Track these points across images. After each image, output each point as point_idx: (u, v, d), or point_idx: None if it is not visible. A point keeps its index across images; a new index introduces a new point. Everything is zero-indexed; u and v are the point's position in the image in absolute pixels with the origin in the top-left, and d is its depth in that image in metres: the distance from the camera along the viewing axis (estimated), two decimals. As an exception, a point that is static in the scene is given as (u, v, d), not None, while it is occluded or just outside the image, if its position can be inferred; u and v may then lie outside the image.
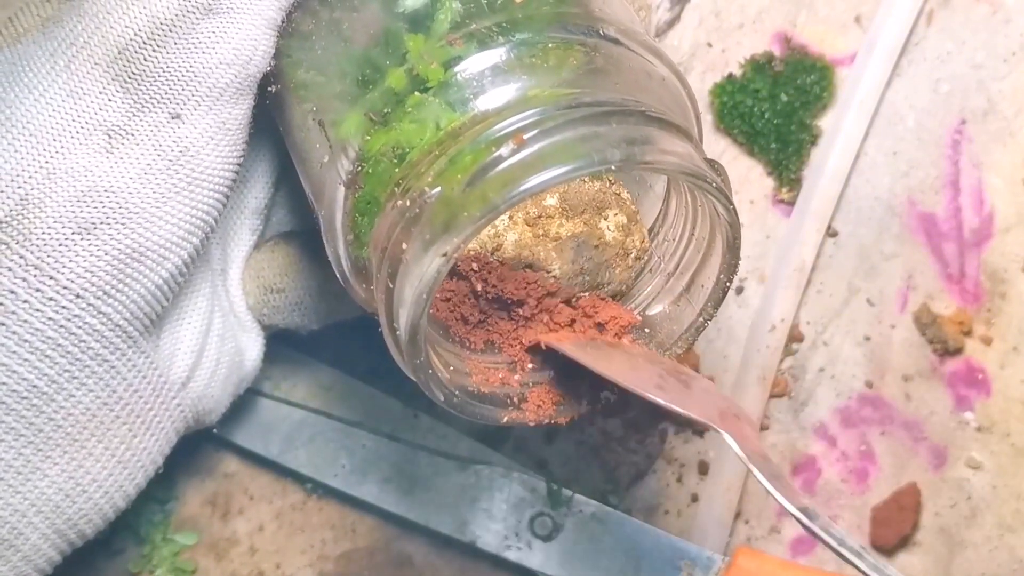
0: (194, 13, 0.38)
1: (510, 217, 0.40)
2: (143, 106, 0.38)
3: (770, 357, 0.53)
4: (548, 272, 0.40)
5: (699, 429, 0.54)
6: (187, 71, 0.38)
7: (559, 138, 0.35)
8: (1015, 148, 0.54)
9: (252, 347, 0.48)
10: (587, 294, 0.41)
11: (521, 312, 0.41)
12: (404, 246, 0.36)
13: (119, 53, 0.38)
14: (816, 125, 0.54)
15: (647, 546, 0.50)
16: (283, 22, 0.40)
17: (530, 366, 0.41)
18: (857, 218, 0.54)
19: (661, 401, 0.38)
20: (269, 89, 0.41)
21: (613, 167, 0.35)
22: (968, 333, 0.53)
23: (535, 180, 0.34)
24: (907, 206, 0.54)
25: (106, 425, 0.41)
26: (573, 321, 0.41)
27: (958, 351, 0.53)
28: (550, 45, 0.37)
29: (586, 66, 0.37)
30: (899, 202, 0.54)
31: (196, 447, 0.53)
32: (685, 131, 0.37)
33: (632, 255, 0.41)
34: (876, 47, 0.53)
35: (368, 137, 0.37)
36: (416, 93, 0.37)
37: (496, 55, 0.37)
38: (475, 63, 0.37)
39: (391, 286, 0.36)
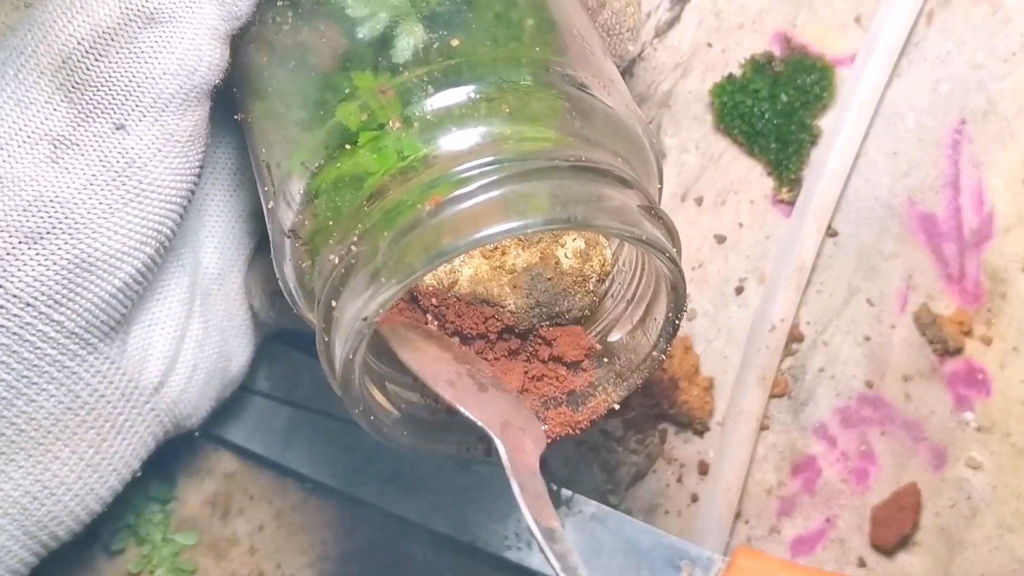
0: (136, 22, 0.38)
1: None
2: (87, 116, 0.38)
3: (770, 357, 0.53)
4: (503, 307, 0.40)
5: (699, 429, 0.54)
6: (129, 80, 0.38)
7: (494, 195, 0.34)
8: (1015, 148, 0.54)
9: (241, 353, 0.48)
10: (547, 324, 0.41)
11: (481, 345, 0.41)
12: (333, 304, 0.35)
13: (63, 62, 0.38)
14: (816, 125, 0.54)
15: (647, 546, 0.50)
16: (235, 35, 0.40)
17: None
18: (857, 218, 0.54)
19: (446, 397, 0.37)
20: (235, 118, 0.41)
21: (547, 229, 0.34)
22: (968, 333, 0.53)
23: (460, 241, 0.33)
24: (907, 206, 0.54)
25: (71, 429, 0.41)
26: (532, 352, 0.41)
27: (958, 351, 0.53)
28: (522, 88, 0.36)
29: (551, 115, 0.37)
30: (899, 202, 0.54)
31: (196, 447, 0.53)
32: (635, 183, 0.36)
33: (592, 279, 0.41)
34: (876, 47, 0.53)
35: (309, 182, 0.37)
36: (362, 135, 0.36)
37: (457, 95, 0.36)
38: (431, 103, 0.36)
39: (326, 339, 0.36)
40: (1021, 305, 0.53)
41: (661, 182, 0.41)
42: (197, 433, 0.48)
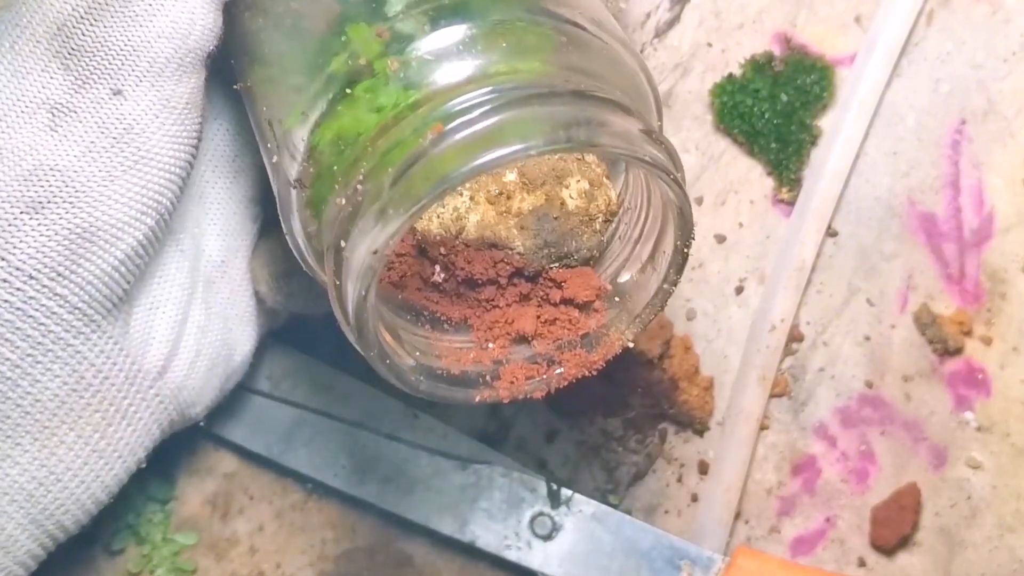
0: None
1: (471, 198, 0.40)
2: (84, 82, 0.38)
3: (770, 357, 0.53)
4: (512, 250, 0.40)
5: (699, 429, 0.54)
6: (124, 44, 0.38)
7: (495, 120, 0.34)
8: (1015, 148, 0.54)
9: (244, 341, 0.48)
10: (556, 265, 0.41)
11: (492, 291, 0.41)
12: (343, 243, 0.36)
13: (58, 30, 0.38)
14: (816, 125, 0.54)
15: (647, 546, 0.50)
16: (229, 1, 0.40)
17: (503, 343, 0.41)
18: (857, 218, 0.54)
19: None
20: (235, 87, 0.41)
21: (549, 151, 0.34)
22: (968, 333, 0.53)
23: (463, 168, 0.33)
24: (907, 206, 0.54)
25: (76, 412, 0.40)
26: (544, 295, 0.41)
27: (958, 351, 0.53)
28: (517, 25, 0.37)
29: (548, 49, 0.37)
30: (899, 202, 0.54)
31: (196, 447, 0.53)
32: (635, 112, 0.37)
33: (599, 219, 0.41)
34: (876, 47, 0.53)
35: (312, 132, 0.37)
36: (361, 81, 0.36)
37: (453, 33, 0.36)
38: (428, 43, 0.36)
39: (337, 283, 0.36)
40: (1021, 305, 0.53)
41: (660, 118, 0.41)
42: (202, 423, 0.47)
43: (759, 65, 0.54)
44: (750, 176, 0.55)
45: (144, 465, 0.44)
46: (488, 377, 0.41)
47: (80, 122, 0.38)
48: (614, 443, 0.54)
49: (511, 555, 0.51)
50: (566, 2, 0.38)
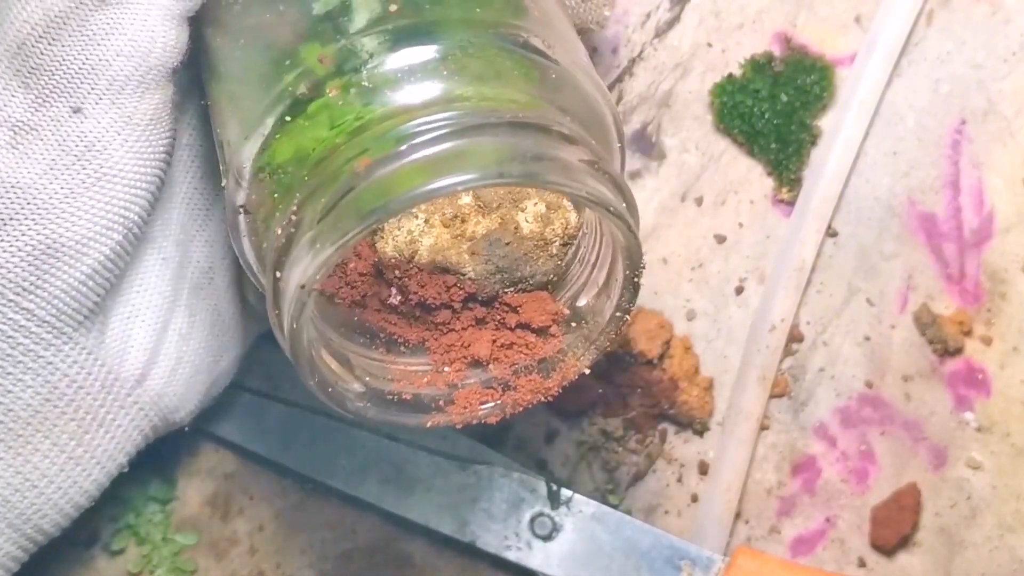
0: (87, 5, 0.38)
1: (426, 220, 0.40)
2: (44, 100, 0.38)
3: (770, 357, 0.53)
4: (463, 275, 0.40)
5: (699, 429, 0.54)
6: (83, 63, 0.38)
7: (428, 153, 0.34)
8: (1015, 148, 0.54)
9: (231, 347, 0.48)
10: (511, 290, 0.41)
11: (447, 315, 0.41)
12: (278, 274, 0.35)
13: (18, 48, 0.38)
14: (816, 125, 0.54)
15: (647, 546, 0.50)
16: (195, 17, 0.40)
17: (458, 367, 0.41)
18: (857, 218, 0.54)
19: None
20: (202, 103, 0.41)
21: (480, 186, 0.34)
22: (968, 333, 0.53)
23: (390, 202, 0.33)
24: (907, 206, 0.54)
25: (51, 421, 0.41)
26: (500, 319, 0.41)
27: (958, 351, 0.53)
28: (483, 51, 0.36)
29: (509, 77, 0.37)
30: (899, 202, 0.54)
31: (196, 447, 0.53)
32: (584, 143, 0.36)
33: (555, 243, 0.41)
34: (876, 47, 0.53)
35: (255, 157, 0.37)
36: (305, 106, 0.36)
37: (408, 56, 0.36)
38: (382, 66, 0.36)
39: (276, 312, 0.36)
40: (1021, 305, 0.53)
41: (623, 150, 0.40)
42: (187, 429, 0.47)
43: (759, 65, 0.54)
44: (750, 176, 0.55)
45: (126, 469, 0.44)
46: (442, 401, 0.41)
47: (41, 140, 0.39)
48: (614, 443, 0.54)
49: (511, 555, 0.51)
50: (532, 29, 0.38)
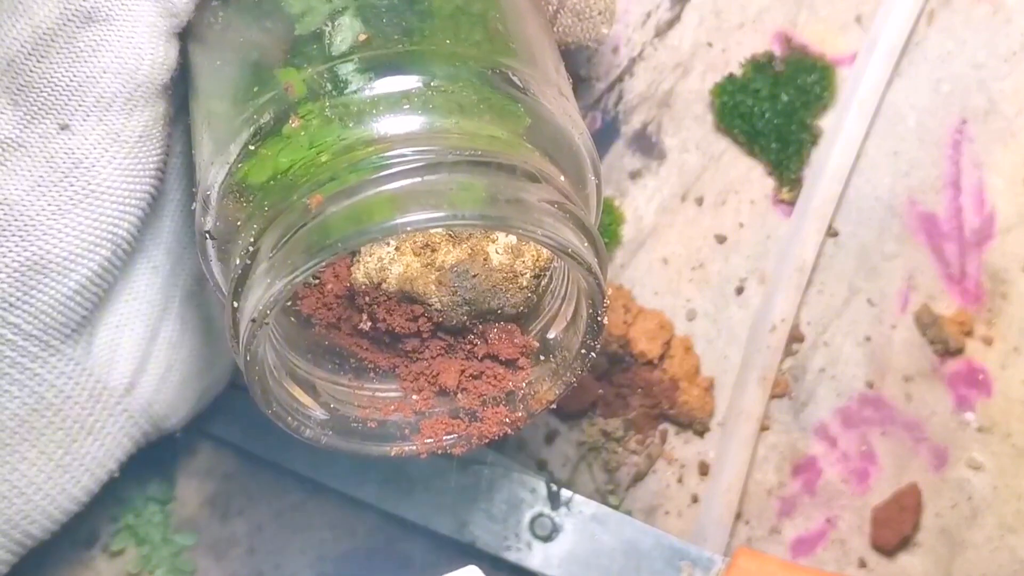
0: (74, 22, 0.38)
1: (397, 248, 0.39)
2: (32, 117, 0.38)
3: (770, 357, 0.53)
4: (430, 306, 0.40)
5: (699, 430, 0.54)
6: (71, 80, 0.38)
7: (367, 194, 0.33)
8: (1016, 148, 0.54)
9: (225, 354, 0.48)
10: (480, 321, 0.40)
11: (416, 343, 0.40)
12: (235, 305, 0.35)
13: (7, 66, 0.38)
14: (816, 125, 0.54)
15: (647, 547, 0.50)
16: (182, 33, 0.40)
17: (426, 395, 0.41)
18: (858, 218, 0.54)
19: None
20: (190, 122, 0.41)
21: (421, 229, 0.34)
22: (969, 333, 0.53)
23: (338, 242, 0.33)
24: (908, 206, 0.54)
25: (39, 430, 0.41)
26: (468, 349, 0.41)
27: (959, 351, 0.53)
28: (457, 86, 0.36)
29: (478, 112, 0.36)
30: (900, 202, 0.54)
31: (196, 448, 0.53)
32: (547, 180, 0.36)
33: (526, 275, 0.40)
34: (877, 47, 0.53)
35: (221, 183, 0.37)
36: (272, 133, 0.36)
37: (385, 85, 0.35)
38: (353, 94, 0.35)
39: (234, 342, 0.36)
40: (1022, 305, 0.53)
41: (599, 177, 0.40)
42: (178, 434, 0.48)
43: (760, 65, 0.54)
44: (750, 176, 0.55)
45: (117, 475, 0.45)
46: (408, 430, 0.41)
47: (28, 157, 0.39)
48: (614, 444, 0.54)
49: (511, 556, 0.51)
50: (514, 66, 0.37)
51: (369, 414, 0.40)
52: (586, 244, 0.36)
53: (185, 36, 0.40)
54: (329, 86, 0.35)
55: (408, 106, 0.35)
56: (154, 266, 0.44)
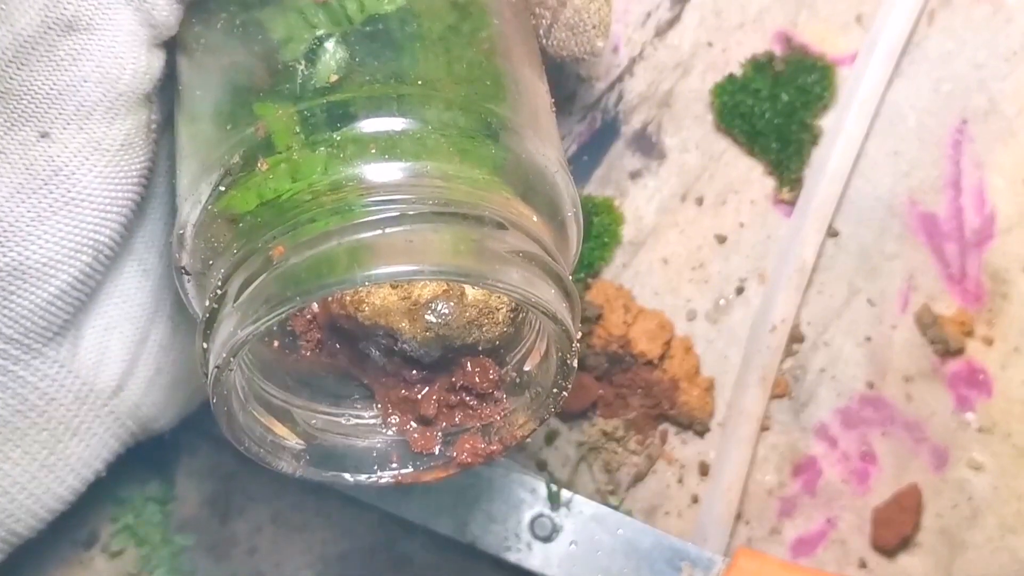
0: (55, 30, 0.38)
1: None
2: (12, 125, 0.38)
3: (771, 358, 0.53)
4: (403, 341, 0.39)
5: (700, 430, 0.54)
6: (51, 88, 0.38)
7: (329, 246, 0.33)
8: (1016, 148, 0.54)
9: None
10: (456, 354, 0.40)
11: (390, 372, 0.40)
12: (204, 346, 0.35)
13: None
14: (817, 125, 0.54)
15: (647, 547, 0.50)
16: (169, 44, 0.39)
17: (404, 424, 0.41)
18: (858, 218, 0.54)
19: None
20: (175, 134, 0.41)
21: (386, 280, 0.34)
22: (969, 334, 0.53)
23: (299, 295, 0.33)
24: (908, 206, 0.54)
25: (22, 431, 0.41)
26: (446, 380, 0.41)
27: (959, 352, 0.53)
28: (444, 130, 0.36)
29: (470, 162, 0.36)
30: (900, 202, 0.54)
31: (196, 447, 0.53)
32: (516, 227, 0.35)
33: (502, 310, 0.40)
34: (877, 47, 0.53)
35: (194, 221, 0.37)
36: (243, 172, 0.35)
37: (375, 124, 0.35)
38: (322, 138, 0.35)
39: (206, 381, 0.36)
40: (1022, 305, 0.53)
41: (577, 208, 0.39)
42: (167, 436, 0.48)
43: (760, 65, 0.54)
44: (750, 176, 0.55)
45: (104, 475, 0.45)
46: (384, 458, 0.41)
47: (8, 164, 0.39)
48: (614, 444, 0.54)
49: (511, 556, 0.51)
50: (495, 109, 0.37)
51: (347, 442, 0.40)
52: (554, 291, 0.36)
53: (173, 46, 0.40)
54: (301, 128, 0.35)
55: (375, 151, 0.35)
56: (145, 269, 0.44)
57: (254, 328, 0.33)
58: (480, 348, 0.40)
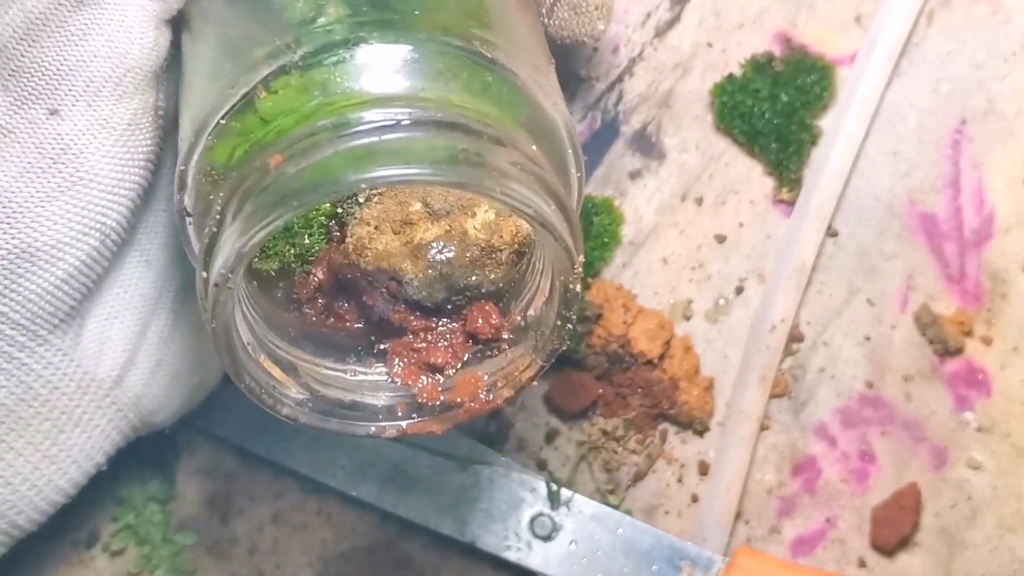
0: (65, 6, 0.38)
1: (376, 227, 0.39)
2: (22, 103, 0.39)
3: (770, 357, 0.53)
4: (407, 282, 0.40)
5: (699, 429, 0.54)
6: (61, 64, 0.38)
7: (324, 155, 0.34)
8: (1015, 148, 0.54)
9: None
10: (458, 299, 0.40)
11: (394, 324, 0.40)
12: (204, 274, 0.35)
13: None
14: (816, 125, 0.54)
15: (647, 546, 0.50)
16: (174, 20, 0.40)
17: (411, 374, 0.41)
18: (857, 218, 0.54)
19: None
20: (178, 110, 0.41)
21: (385, 185, 0.34)
22: (968, 333, 0.53)
23: (295, 203, 0.33)
24: (907, 206, 0.54)
25: (26, 420, 0.41)
26: (449, 329, 0.41)
27: (958, 351, 0.53)
28: (447, 56, 0.36)
29: (470, 86, 0.36)
30: (899, 202, 0.54)
31: (196, 447, 0.53)
32: (512, 145, 0.36)
33: (505, 252, 0.40)
34: (876, 47, 0.53)
35: (197, 160, 0.37)
36: (244, 108, 0.36)
37: (362, 55, 0.36)
38: (320, 62, 0.36)
39: (204, 313, 0.36)
40: (1021, 305, 0.53)
41: (575, 148, 0.40)
42: (167, 431, 0.47)
43: (759, 65, 0.54)
44: (750, 176, 0.55)
45: (104, 468, 0.45)
46: (389, 411, 0.41)
47: (17, 143, 0.39)
48: (614, 443, 0.54)
49: (511, 555, 0.51)
50: (489, 40, 0.37)
51: (353, 396, 0.40)
52: (553, 207, 0.36)
53: (178, 26, 0.40)
54: (298, 57, 0.36)
55: (374, 73, 0.35)
56: (147, 259, 0.44)
57: (250, 237, 0.33)
58: (484, 291, 0.40)
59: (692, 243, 0.55)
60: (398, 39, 0.36)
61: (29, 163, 0.39)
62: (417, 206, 0.40)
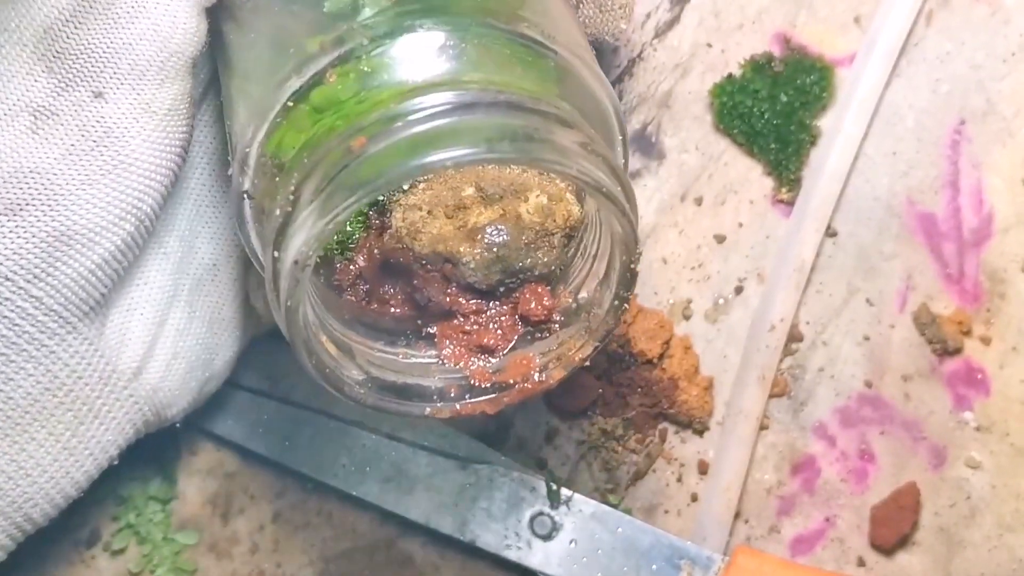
0: None
1: (429, 212, 0.40)
2: (67, 85, 0.39)
3: (770, 357, 0.53)
4: (464, 264, 0.40)
5: (699, 429, 0.54)
6: (107, 47, 0.39)
7: (409, 133, 0.34)
8: (1014, 148, 0.54)
9: (228, 346, 0.48)
10: (511, 281, 0.41)
11: (446, 307, 0.41)
12: (276, 254, 0.36)
13: (44, 33, 0.39)
14: (816, 125, 0.54)
15: (647, 545, 0.51)
16: (213, 9, 0.40)
17: (462, 356, 0.42)
18: (856, 218, 0.54)
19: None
20: (220, 100, 0.42)
21: (466, 164, 0.34)
22: (967, 333, 0.53)
23: (380, 179, 0.34)
24: (906, 206, 0.54)
25: (49, 410, 0.41)
26: (501, 311, 0.41)
27: (957, 351, 0.53)
28: (487, 38, 0.37)
29: (510, 64, 0.37)
30: (898, 202, 0.54)
31: (196, 447, 0.54)
32: (577, 125, 0.37)
33: (557, 235, 0.41)
34: (875, 47, 0.53)
35: (261, 143, 0.37)
36: (310, 91, 0.37)
37: (418, 40, 0.36)
38: (390, 47, 0.36)
39: (276, 294, 0.37)
40: (1020, 305, 0.53)
41: (624, 135, 0.41)
42: (178, 425, 0.48)
43: (759, 65, 0.55)
44: (750, 176, 0.55)
45: (116, 462, 0.44)
46: (444, 391, 0.41)
47: (61, 125, 0.39)
48: (614, 443, 0.54)
49: (511, 555, 0.51)
50: (534, 21, 0.38)
51: (406, 378, 0.41)
52: (618, 188, 0.36)
53: (217, 14, 0.41)
54: (364, 41, 0.36)
55: (443, 57, 0.36)
56: (164, 252, 0.44)
57: (334, 215, 0.34)
58: (536, 273, 0.41)
59: (692, 243, 0.55)
60: (461, 23, 0.37)
61: (72, 145, 0.39)
62: (470, 190, 0.40)
